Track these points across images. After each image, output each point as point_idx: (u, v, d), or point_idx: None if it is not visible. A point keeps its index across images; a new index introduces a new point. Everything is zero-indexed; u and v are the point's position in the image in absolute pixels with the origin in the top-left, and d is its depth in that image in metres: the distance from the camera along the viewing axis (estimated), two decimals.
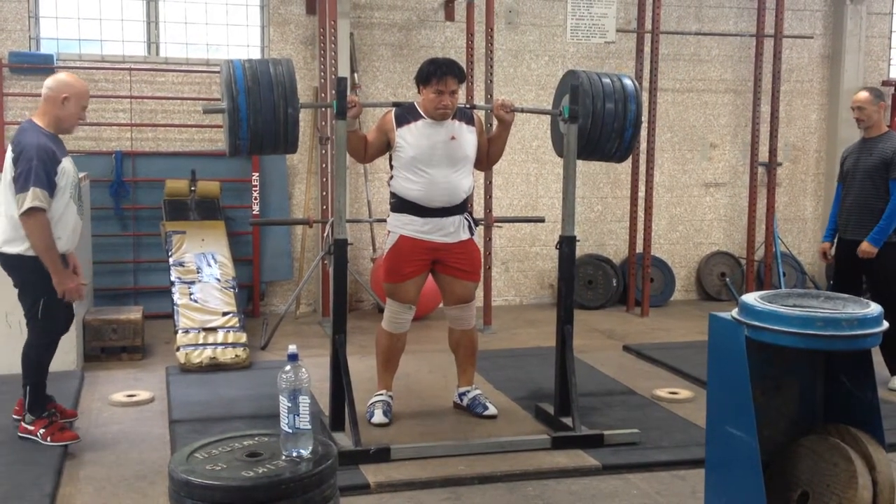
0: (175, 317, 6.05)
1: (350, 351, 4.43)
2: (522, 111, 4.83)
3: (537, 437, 4.42)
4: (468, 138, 4.58)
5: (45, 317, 4.24)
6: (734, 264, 8.54)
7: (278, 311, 7.08)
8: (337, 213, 4.32)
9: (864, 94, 5.47)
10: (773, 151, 8.13)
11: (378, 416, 4.62)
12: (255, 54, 7.55)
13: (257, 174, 7.26)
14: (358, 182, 7.50)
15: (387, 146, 4.61)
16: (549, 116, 5.39)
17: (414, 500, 3.83)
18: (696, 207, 8.57)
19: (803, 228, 8.87)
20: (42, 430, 4.24)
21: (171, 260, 6.49)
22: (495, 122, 4.71)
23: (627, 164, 7.46)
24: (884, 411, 3.13)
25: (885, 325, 2.92)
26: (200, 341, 5.83)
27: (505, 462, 4.15)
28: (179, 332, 5.90)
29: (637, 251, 7.84)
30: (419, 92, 4.55)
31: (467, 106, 4.85)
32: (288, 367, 2.77)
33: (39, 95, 4.31)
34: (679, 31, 8.16)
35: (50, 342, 4.33)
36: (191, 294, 6.20)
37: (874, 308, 2.91)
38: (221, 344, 5.83)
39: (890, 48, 8.92)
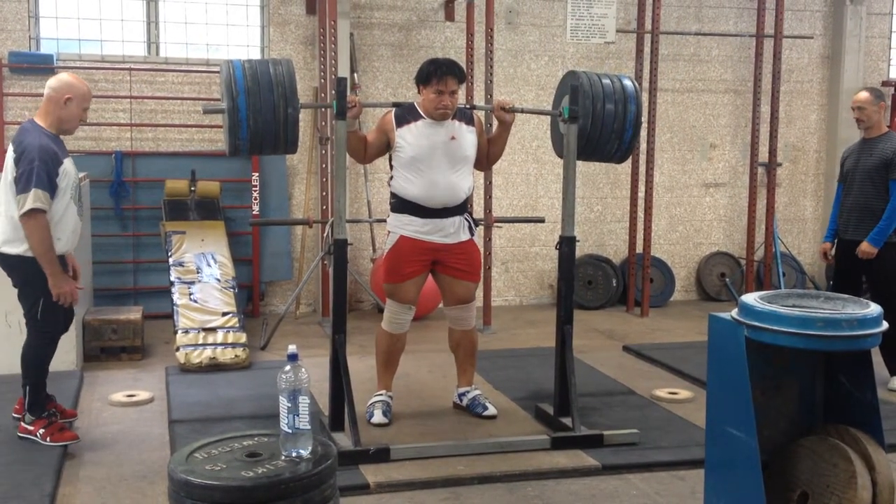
0: (175, 317, 6.05)
1: (350, 351, 4.43)
2: (522, 111, 4.82)
3: (537, 437, 4.42)
4: (468, 138, 4.58)
5: (45, 317, 4.24)
6: (734, 264, 8.53)
7: (278, 312, 7.08)
8: (337, 213, 4.32)
9: (864, 95, 5.47)
10: (772, 152, 8.13)
11: (378, 417, 4.62)
12: (255, 54, 7.55)
13: (257, 174, 7.26)
14: (358, 182, 7.50)
15: (387, 146, 4.61)
16: (549, 117, 5.39)
17: (414, 500, 3.83)
18: (695, 208, 8.57)
19: (803, 229, 8.87)
20: (42, 430, 4.24)
21: (170, 260, 6.49)
22: (495, 123, 4.71)
23: (627, 164, 7.45)
24: (883, 412, 3.13)
25: (885, 325, 2.92)
26: (200, 341, 5.83)
27: (505, 462, 4.15)
28: (179, 332, 5.90)
29: (637, 251, 7.84)
30: (419, 92, 4.55)
31: (467, 106, 4.85)
32: (288, 368, 2.77)
33: (40, 95, 4.31)
34: (679, 31, 8.15)
35: (50, 342, 4.33)
36: (190, 294, 6.20)
37: (874, 308, 2.92)
38: (221, 344, 5.83)
39: (890, 48, 8.91)
